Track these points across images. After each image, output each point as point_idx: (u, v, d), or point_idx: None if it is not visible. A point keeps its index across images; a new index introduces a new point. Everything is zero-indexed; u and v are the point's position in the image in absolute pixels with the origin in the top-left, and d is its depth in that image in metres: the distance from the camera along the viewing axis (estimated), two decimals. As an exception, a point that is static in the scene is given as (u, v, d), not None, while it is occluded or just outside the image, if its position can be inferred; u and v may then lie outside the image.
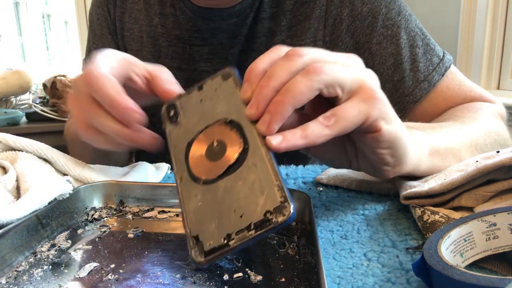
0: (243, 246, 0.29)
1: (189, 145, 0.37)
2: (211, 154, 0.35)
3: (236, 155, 0.34)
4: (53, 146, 0.49)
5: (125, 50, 0.75)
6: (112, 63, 0.42)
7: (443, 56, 0.66)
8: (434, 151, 0.46)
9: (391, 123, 0.38)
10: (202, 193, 0.33)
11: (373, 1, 0.65)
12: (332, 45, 0.67)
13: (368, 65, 0.65)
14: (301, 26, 0.67)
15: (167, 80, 0.43)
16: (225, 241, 0.29)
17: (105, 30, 0.76)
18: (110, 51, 0.44)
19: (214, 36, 0.69)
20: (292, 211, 0.29)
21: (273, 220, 0.29)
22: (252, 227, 0.29)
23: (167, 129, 0.39)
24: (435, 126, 0.53)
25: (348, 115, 0.35)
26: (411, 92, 0.64)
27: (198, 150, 0.36)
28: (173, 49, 0.72)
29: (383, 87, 0.65)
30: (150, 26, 0.73)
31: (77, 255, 0.34)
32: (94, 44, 0.78)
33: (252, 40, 0.69)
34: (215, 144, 0.35)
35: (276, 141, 0.32)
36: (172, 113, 0.40)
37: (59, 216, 0.39)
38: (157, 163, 0.57)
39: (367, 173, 0.44)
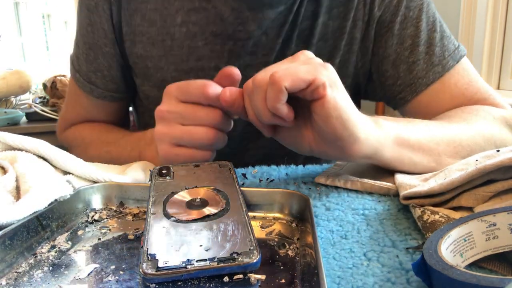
0: (200, 275, 0.29)
1: (172, 194, 0.39)
2: (191, 205, 0.37)
3: (216, 210, 0.36)
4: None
5: (136, 57, 0.67)
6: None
7: (458, 45, 0.68)
8: (402, 141, 0.48)
9: (337, 91, 0.41)
10: (171, 226, 0.34)
11: None
12: (367, 25, 0.68)
13: (387, 43, 0.68)
14: (344, 8, 0.66)
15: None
16: (183, 264, 0.29)
17: (101, 41, 0.68)
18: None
19: (260, 27, 0.63)
20: (258, 258, 0.29)
21: (239, 259, 0.29)
22: (216, 260, 0.29)
23: (153, 181, 0.42)
24: (415, 120, 0.54)
25: (298, 71, 0.40)
26: (425, 75, 0.65)
27: (180, 198, 0.38)
28: (209, 47, 0.65)
29: (398, 67, 0.67)
30: (173, 26, 0.64)
31: (77, 256, 0.34)
32: (88, 56, 0.69)
33: (295, 28, 0.66)
34: (198, 199, 0.38)
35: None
36: (164, 171, 0.43)
37: (59, 218, 0.39)
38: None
39: (327, 157, 0.47)
